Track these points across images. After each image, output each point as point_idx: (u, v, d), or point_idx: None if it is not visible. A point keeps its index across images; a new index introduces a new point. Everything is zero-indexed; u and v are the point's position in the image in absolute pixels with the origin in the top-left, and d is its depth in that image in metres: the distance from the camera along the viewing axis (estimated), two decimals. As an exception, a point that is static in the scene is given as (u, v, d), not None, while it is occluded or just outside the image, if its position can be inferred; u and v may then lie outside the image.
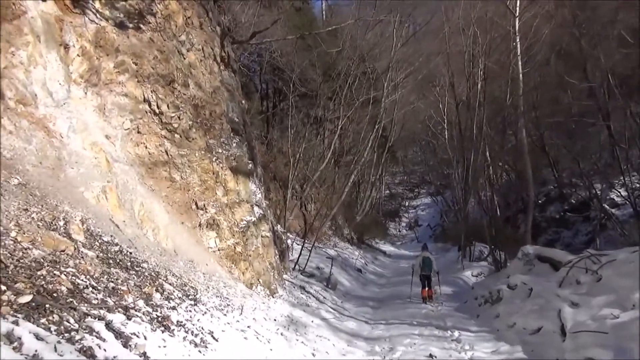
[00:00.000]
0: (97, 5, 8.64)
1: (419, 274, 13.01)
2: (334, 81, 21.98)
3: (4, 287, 3.28)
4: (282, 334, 6.99)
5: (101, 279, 4.59)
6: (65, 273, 4.10)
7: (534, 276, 9.41)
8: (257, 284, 9.00)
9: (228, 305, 6.63)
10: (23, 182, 5.75)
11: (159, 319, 4.57)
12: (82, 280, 4.22)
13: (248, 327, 6.23)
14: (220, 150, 9.34)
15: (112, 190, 6.88)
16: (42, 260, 4.08)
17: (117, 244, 5.86)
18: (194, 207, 8.19)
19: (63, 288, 3.78)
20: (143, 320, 4.23)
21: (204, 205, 8.31)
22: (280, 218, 17.73)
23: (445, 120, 28.77)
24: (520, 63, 15.88)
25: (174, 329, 4.55)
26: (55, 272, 3.98)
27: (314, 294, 11.84)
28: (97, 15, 8.57)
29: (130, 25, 9.09)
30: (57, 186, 6.29)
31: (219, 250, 8.20)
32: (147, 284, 5.29)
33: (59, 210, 5.62)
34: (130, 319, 4.08)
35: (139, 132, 8.22)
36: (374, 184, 31.05)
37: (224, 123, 10.50)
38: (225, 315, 6.08)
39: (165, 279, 5.91)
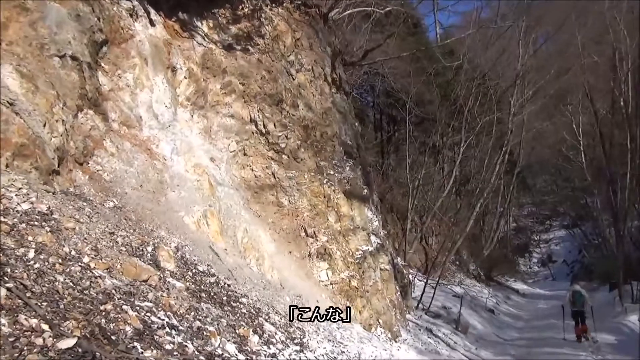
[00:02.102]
0: (206, 29, 8.42)
1: (571, 310, 12.05)
2: (453, 104, 20.40)
3: (45, 327, 2.49)
4: (411, 393, 5.65)
5: (186, 316, 3.74)
6: (137, 308, 3.28)
7: None
8: (376, 325, 7.75)
9: (342, 352, 5.48)
10: (119, 205, 5.26)
11: (253, 371, 3.57)
12: (159, 317, 3.37)
13: (368, 382, 5.03)
14: (332, 172, 8.44)
15: (214, 215, 6.22)
16: (113, 292, 3.32)
17: (213, 275, 5.06)
18: (302, 234, 7.29)
19: (128, 328, 2.93)
20: (229, 374, 3.24)
21: (314, 232, 7.37)
22: (399, 252, 16.36)
23: (582, 142, 25.31)
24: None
25: (271, 387, 3.51)
26: (125, 306, 3.17)
27: (443, 338, 10.21)
28: (206, 38, 8.32)
29: (238, 47, 8.75)
30: (156, 210, 5.75)
31: (331, 284, 7.15)
32: (244, 323, 4.36)
33: (152, 236, 4.99)
34: (213, 372, 3.12)
35: (245, 154, 7.63)
36: (502, 215, 28.16)
37: (335, 145, 9.65)
38: (338, 367, 4.95)
39: (267, 317, 4.96)
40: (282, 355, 4.24)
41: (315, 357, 4.69)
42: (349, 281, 7.37)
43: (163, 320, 3.38)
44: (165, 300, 3.73)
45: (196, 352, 3.25)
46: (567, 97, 25.87)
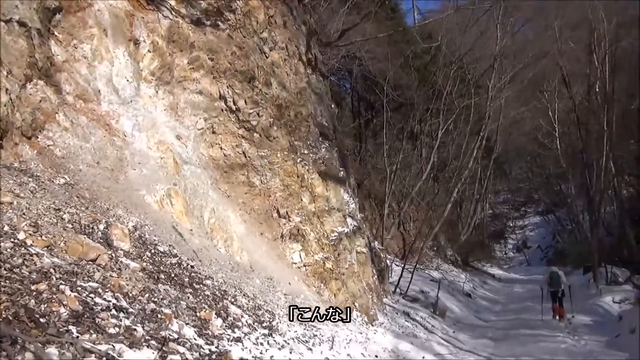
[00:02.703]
0: (173, 2, 7.93)
1: (549, 291, 12.24)
2: (431, 88, 20.18)
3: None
4: (387, 377, 5.40)
5: (139, 298, 3.38)
6: (79, 289, 2.92)
7: None
8: (352, 309, 7.49)
9: (315, 336, 5.19)
10: (71, 182, 4.85)
11: (213, 356, 3.24)
12: (105, 299, 3.02)
13: (341, 367, 4.75)
14: (306, 152, 8.10)
15: (179, 195, 5.83)
16: (51, 271, 2.94)
17: (175, 255, 4.70)
18: (275, 215, 6.95)
19: (63, 310, 2.57)
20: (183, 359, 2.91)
21: (287, 213, 7.04)
22: (377, 237, 16.15)
23: (557, 129, 25.51)
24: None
25: (231, 373, 3.19)
26: (63, 286, 2.81)
27: (421, 321, 10.03)
28: (172, 12, 7.84)
29: (208, 22, 8.28)
30: (114, 188, 5.34)
31: (304, 266, 6.84)
32: (206, 306, 4.02)
33: (108, 214, 4.60)
34: (165, 358, 2.78)
35: (213, 132, 7.23)
36: (478, 201, 28.25)
37: (310, 126, 9.30)
38: (310, 349, 4.63)
39: (233, 300, 4.63)
40: (248, 339, 3.91)
41: (285, 341, 4.38)
42: (323, 263, 7.08)
43: (109, 302, 3.02)
44: (115, 280, 3.37)
45: (147, 337, 2.90)
46: (544, 83, 26.00)
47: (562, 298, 11.99)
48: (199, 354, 3.17)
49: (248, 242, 6.29)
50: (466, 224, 25.72)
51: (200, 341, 3.37)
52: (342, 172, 9.73)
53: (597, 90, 19.29)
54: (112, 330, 2.74)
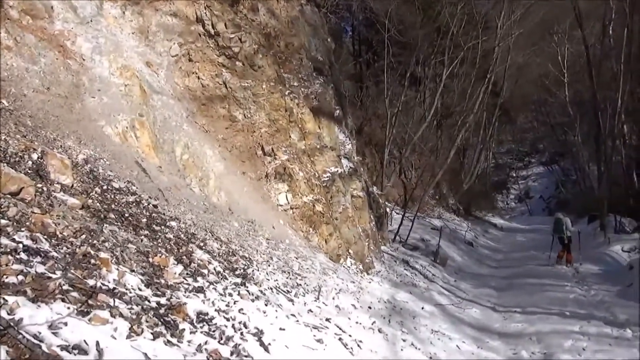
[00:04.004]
0: None
1: (556, 237, 12.00)
2: (435, 28, 18.92)
3: None
4: (380, 331, 4.79)
5: (70, 239, 2.71)
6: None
7: None
8: (346, 256, 6.89)
9: (299, 285, 4.57)
10: (10, 108, 4.09)
11: (161, 310, 2.59)
12: (14, 240, 2.33)
13: (327, 320, 4.13)
14: (296, 84, 7.28)
15: (145, 127, 5.08)
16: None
17: (134, 194, 4.01)
18: (259, 152, 6.22)
19: None
20: (115, 315, 2.25)
21: (273, 150, 6.30)
22: (377, 184, 15.50)
23: (566, 75, 24.39)
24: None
25: (182, 331, 2.53)
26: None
27: (421, 270, 9.49)
28: None
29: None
30: (66, 118, 4.58)
31: (292, 208, 6.18)
32: (164, 250, 3.36)
33: (53, 145, 3.88)
34: (87, 314, 2.13)
35: (190, 59, 6.38)
36: (482, 149, 27.43)
37: (303, 58, 8.40)
38: (291, 301, 4.01)
39: (202, 244, 3.97)
40: (214, 289, 3.27)
41: (261, 291, 3.75)
42: (313, 205, 6.40)
43: (18, 243, 2.33)
44: (37, 218, 2.67)
45: (66, 287, 2.23)
46: (554, 25, 24.67)
47: (570, 245, 11.61)
48: (142, 307, 2.52)
49: (227, 182, 5.59)
50: (469, 172, 24.99)
51: (147, 292, 2.71)
52: (338, 111, 8.92)
53: (610, 32, 18.21)
54: (12, 280, 2.06)
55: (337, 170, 7.32)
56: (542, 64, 26.65)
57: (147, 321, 2.46)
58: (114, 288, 2.53)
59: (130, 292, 2.60)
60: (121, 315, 2.35)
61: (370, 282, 6.70)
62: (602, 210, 15.78)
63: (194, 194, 5.01)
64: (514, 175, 47.77)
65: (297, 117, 6.88)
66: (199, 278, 3.30)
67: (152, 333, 2.38)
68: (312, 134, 7.06)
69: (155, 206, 4.06)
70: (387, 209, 12.96)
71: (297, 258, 5.29)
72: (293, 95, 6.96)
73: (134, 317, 2.41)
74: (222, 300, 3.17)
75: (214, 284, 3.36)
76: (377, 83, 22.80)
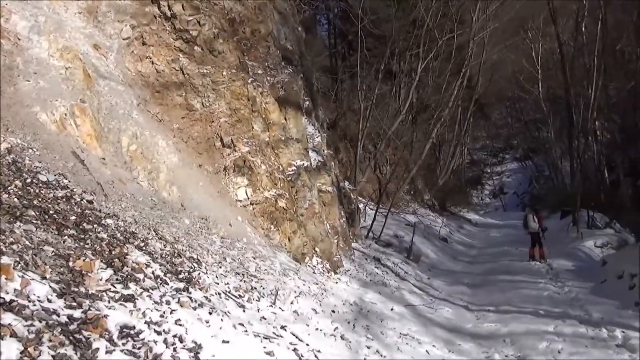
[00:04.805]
0: None
1: (528, 233, 12.00)
2: (410, 22, 18.67)
3: None
4: (342, 338, 4.43)
5: (-38, 242, 2.25)
6: None
7: None
8: (311, 255, 6.51)
9: (253, 288, 4.18)
10: None
11: (72, 325, 2.17)
12: None
13: (283, 328, 3.74)
14: (260, 72, 6.85)
15: (87, 114, 4.60)
16: None
17: (65, 187, 3.55)
18: (218, 144, 5.78)
19: None
20: (3, 336, 1.83)
21: (233, 141, 5.87)
22: (350, 180, 15.18)
23: (540, 71, 24.60)
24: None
25: (96, 351, 2.12)
26: None
27: (392, 267, 9.19)
28: None
29: None
30: (-6, 103, 4.09)
31: (251, 204, 5.76)
32: (90, 252, 2.92)
33: (-30, 132, 3.39)
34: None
35: (143, 42, 5.89)
36: (458, 145, 27.42)
37: (270, 46, 7.96)
38: (242, 307, 3.62)
39: (142, 244, 3.54)
40: (148, 296, 2.84)
41: (206, 297, 3.35)
42: (276, 201, 6.00)
43: None
44: None
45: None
46: (528, 22, 24.82)
47: (540, 240, 11.58)
48: (46, 323, 2.09)
49: (181, 175, 5.15)
50: (444, 168, 24.97)
51: (58, 303, 2.29)
52: (307, 102, 8.52)
53: (583, 28, 18.37)
54: None
55: (304, 164, 6.93)
56: (516, 60, 26.82)
57: (50, 340, 2.04)
58: (12, 301, 2.10)
59: (34, 305, 2.17)
60: (14, 334, 1.92)
61: (336, 283, 6.33)
62: (575, 206, 15.81)
63: (142, 188, 4.56)
64: (489, 171, 48.23)
65: (261, 106, 6.46)
66: (131, 284, 2.87)
67: (53, 356, 1.96)
68: (276, 125, 6.65)
69: (90, 202, 3.61)
70: (360, 205, 12.65)
71: (254, 258, 4.89)
72: (257, 84, 6.53)
73: (32, 336, 1.98)
74: (157, 310, 2.75)
75: (150, 290, 2.94)
76: (352, 76, 22.46)
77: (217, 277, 3.91)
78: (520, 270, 10.31)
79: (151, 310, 2.72)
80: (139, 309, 2.66)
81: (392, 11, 18.05)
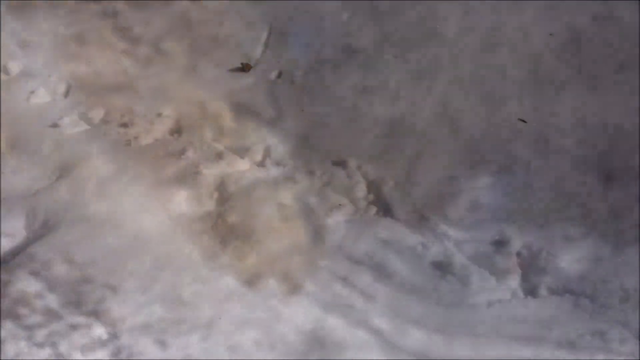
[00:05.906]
0: None
1: None
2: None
3: None
4: (287, 378, 3.87)
5: None
6: None
7: None
8: (267, 276, 5.95)
9: (183, 320, 3.61)
10: None
11: None
12: None
13: (212, 370, 3.19)
14: (215, 77, 6.36)
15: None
16: None
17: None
18: (161, 152, 5.25)
19: None
20: None
21: (179, 150, 5.34)
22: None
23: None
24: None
25: None
26: None
27: (363, 287, 8.63)
28: None
29: None
30: None
31: (196, 219, 5.20)
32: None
33: None
34: None
35: (81, 41, 5.36)
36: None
37: (231, 52, 7.48)
38: (161, 344, 3.06)
39: (39, 268, 2.96)
40: (25, 338, 2.28)
41: (112, 334, 2.77)
42: (224, 215, 5.47)
43: None
44: None
45: None
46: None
47: None
48: None
49: (114, 187, 4.60)
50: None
51: None
52: (271, 112, 8.03)
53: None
54: None
55: (261, 176, 6.41)
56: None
57: None
58: None
59: None
60: None
61: (293, 308, 5.78)
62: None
63: (61, 199, 3.99)
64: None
65: (213, 112, 5.97)
66: (6, 322, 2.30)
67: None
68: (230, 131, 6.15)
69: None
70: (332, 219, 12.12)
71: (193, 282, 4.34)
72: (210, 88, 6.04)
73: None
74: (30, 356, 2.19)
75: (31, 329, 2.37)
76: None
77: (137, 306, 3.34)
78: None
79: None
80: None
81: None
